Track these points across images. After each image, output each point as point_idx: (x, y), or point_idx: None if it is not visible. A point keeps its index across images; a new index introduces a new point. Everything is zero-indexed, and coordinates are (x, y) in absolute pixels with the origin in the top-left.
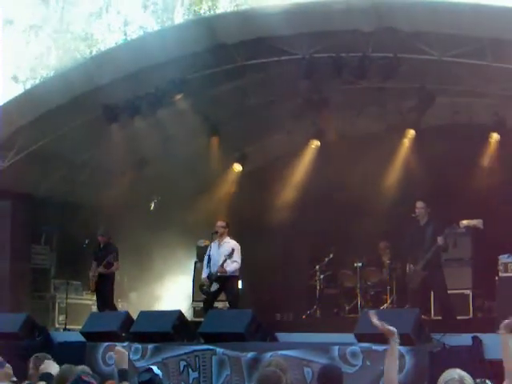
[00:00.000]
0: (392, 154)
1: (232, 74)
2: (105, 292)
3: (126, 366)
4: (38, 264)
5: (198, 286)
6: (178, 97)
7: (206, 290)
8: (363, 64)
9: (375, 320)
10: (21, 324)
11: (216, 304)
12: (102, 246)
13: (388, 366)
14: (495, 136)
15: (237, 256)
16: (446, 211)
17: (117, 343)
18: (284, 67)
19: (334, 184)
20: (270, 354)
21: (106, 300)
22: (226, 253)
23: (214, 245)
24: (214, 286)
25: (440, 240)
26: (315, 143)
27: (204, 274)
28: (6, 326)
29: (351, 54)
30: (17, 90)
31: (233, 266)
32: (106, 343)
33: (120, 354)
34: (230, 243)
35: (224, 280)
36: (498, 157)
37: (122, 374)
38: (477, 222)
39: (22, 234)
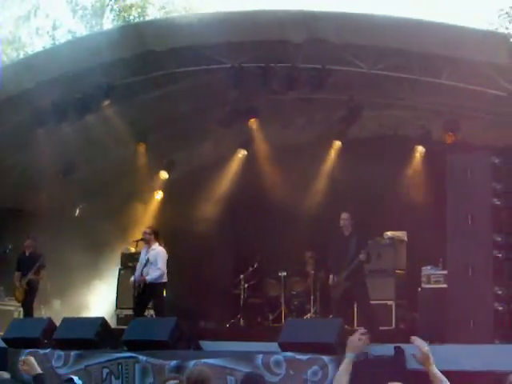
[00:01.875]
0: (319, 165)
1: (161, 81)
2: (31, 300)
3: (38, 370)
4: None
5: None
6: (106, 103)
7: (134, 295)
8: (292, 74)
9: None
10: None
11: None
12: (27, 253)
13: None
14: (420, 149)
15: (161, 263)
16: (371, 222)
17: (39, 349)
18: (213, 76)
19: (260, 193)
20: (193, 362)
21: (31, 308)
22: (153, 261)
23: (143, 251)
24: (137, 292)
25: (362, 256)
26: (242, 152)
27: (131, 278)
28: None
29: (280, 64)
30: None
31: (154, 273)
32: (28, 350)
33: (27, 362)
34: (155, 250)
35: (148, 287)
36: (422, 169)
37: (39, 380)
38: (401, 234)
39: None
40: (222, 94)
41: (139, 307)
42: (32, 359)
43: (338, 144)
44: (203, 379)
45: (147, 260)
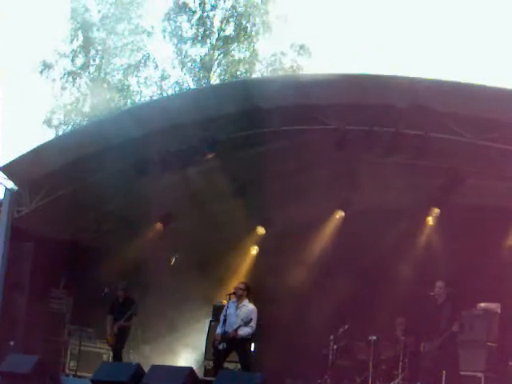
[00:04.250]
0: (415, 230)
1: (264, 138)
2: (121, 345)
3: None
4: (54, 308)
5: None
6: (210, 156)
7: (215, 346)
8: (395, 139)
9: None
10: (32, 366)
11: (227, 365)
12: (121, 300)
13: None
14: None
15: (254, 322)
16: (465, 292)
17: None
18: (316, 136)
19: (355, 256)
20: None
21: (121, 352)
22: (244, 318)
23: (231, 304)
24: (223, 345)
25: (455, 327)
26: (340, 214)
27: (218, 330)
28: (18, 367)
29: (384, 128)
30: (49, 134)
31: (246, 330)
32: None
33: None
34: (248, 307)
35: (237, 342)
36: None
37: None
38: (495, 306)
39: (41, 277)
40: (323, 154)
41: (221, 359)
42: None
43: (436, 211)
44: None
45: (239, 316)
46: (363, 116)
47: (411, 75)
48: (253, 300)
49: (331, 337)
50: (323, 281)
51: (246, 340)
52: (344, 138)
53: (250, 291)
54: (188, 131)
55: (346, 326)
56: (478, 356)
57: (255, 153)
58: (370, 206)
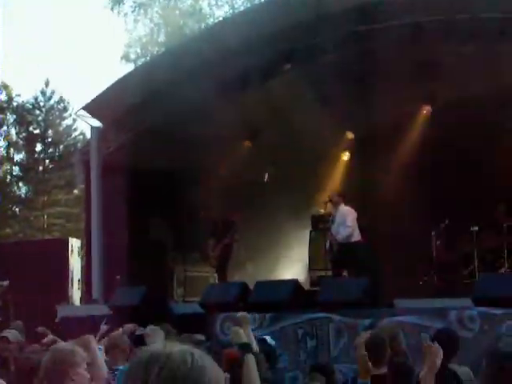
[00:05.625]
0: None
1: (339, 43)
2: (225, 265)
3: (244, 339)
4: (155, 237)
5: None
6: (287, 67)
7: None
8: (473, 25)
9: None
10: (141, 297)
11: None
12: (220, 221)
13: None
14: None
15: (349, 221)
16: None
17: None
18: (391, 32)
19: (448, 148)
20: (386, 320)
21: (225, 273)
22: (340, 221)
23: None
24: (330, 255)
25: None
26: (426, 108)
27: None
28: (127, 300)
29: (460, 15)
30: (128, 68)
31: (345, 231)
32: (224, 314)
33: (234, 332)
34: (342, 210)
35: (343, 247)
36: None
37: (244, 348)
38: None
39: (138, 208)
40: (401, 50)
41: (337, 268)
42: (237, 329)
43: None
44: (394, 335)
45: (334, 220)
46: (436, 5)
47: None
48: (352, 205)
49: (433, 233)
50: (417, 179)
51: (352, 244)
52: (420, 31)
53: (345, 197)
54: (262, 45)
55: (447, 221)
56: None
57: (333, 58)
58: (457, 97)
